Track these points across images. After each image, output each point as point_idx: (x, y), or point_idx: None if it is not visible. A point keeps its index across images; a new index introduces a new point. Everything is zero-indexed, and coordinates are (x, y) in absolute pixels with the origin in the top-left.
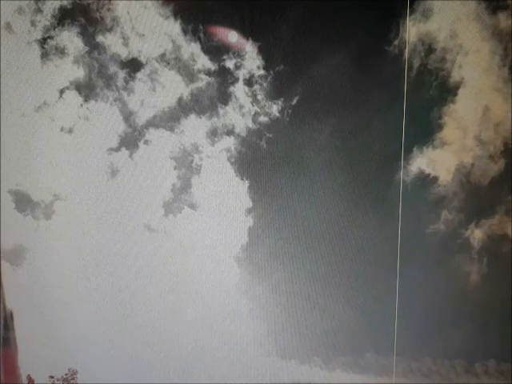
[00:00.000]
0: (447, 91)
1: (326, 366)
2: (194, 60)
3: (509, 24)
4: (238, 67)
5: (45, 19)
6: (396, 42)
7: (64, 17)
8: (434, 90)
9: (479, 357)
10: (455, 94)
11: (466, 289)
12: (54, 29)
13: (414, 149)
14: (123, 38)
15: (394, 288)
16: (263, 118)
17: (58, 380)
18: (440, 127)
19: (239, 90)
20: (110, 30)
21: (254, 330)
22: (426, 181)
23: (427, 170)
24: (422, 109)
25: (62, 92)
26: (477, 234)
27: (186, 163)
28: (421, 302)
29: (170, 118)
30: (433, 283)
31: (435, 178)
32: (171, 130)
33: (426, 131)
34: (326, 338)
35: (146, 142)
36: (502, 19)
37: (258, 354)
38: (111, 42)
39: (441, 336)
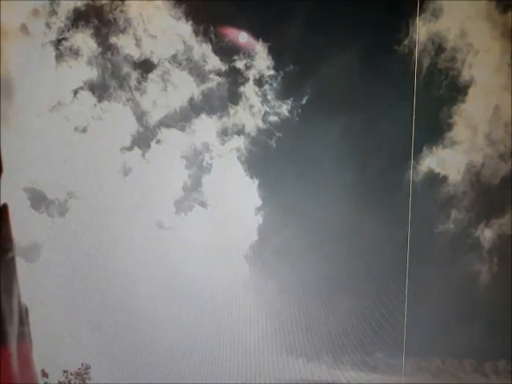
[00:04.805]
0: (457, 90)
1: (335, 364)
2: (204, 61)
3: None
4: (248, 67)
5: (59, 21)
6: (406, 42)
7: (78, 18)
8: (444, 89)
9: (489, 356)
10: (465, 94)
11: (476, 288)
12: (69, 30)
13: (424, 148)
14: (136, 39)
15: (403, 287)
16: (273, 118)
17: (71, 374)
18: (450, 126)
19: (249, 90)
20: (122, 31)
21: (262, 327)
22: (435, 180)
23: (437, 170)
24: (432, 108)
25: (76, 92)
26: (487, 234)
27: (197, 162)
28: (430, 301)
29: (182, 118)
30: (442, 283)
31: (445, 178)
32: (182, 129)
33: (435, 130)
34: (334, 336)
35: (158, 142)
36: None
37: (267, 351)
38: (124, 43)
39: (450, 335)
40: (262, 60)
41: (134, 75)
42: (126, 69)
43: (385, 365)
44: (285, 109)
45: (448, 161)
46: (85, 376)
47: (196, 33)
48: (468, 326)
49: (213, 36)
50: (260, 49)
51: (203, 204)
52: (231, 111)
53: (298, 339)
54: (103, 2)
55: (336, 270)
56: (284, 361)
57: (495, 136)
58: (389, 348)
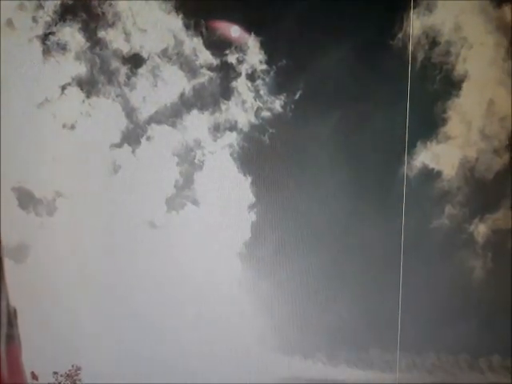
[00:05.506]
0: (451, 85)
1: (330, 361)
2: (196, 55)
3: None
4: (240, 62)
5: (46, 15)
6: (400, 36)
7: (65, 12)
8: (438, 83)
9: (483, 352)
10: (459, 88)
11: (470, 284)
12: (56, 25)
13: (418, 143)
14: (125, 33)
15: (397, 283)
16: (266, 113)
17: (61, 376)
18: (444, 121)
19: (242, 85)
20: (111, 25)
21: (257, 326)
22: (429, 175)
23: (431, 165)
24: (426, 103)
25: (63, 88)
26: (481, 229)
27: (189, 159)
28: (424, 297)
29: (172, 114)
30: (436, 278)
31: (439, 173)
32: (173, 125)
33: (429, 125)
34: (329, 333)
35: (148, 138)
36: (507, 12)
37: (262, 350)
38: (113, 37)
39: (445, 331)
40: (254, 54)
41: (124, 70)
42: (115, 64)
43: (380, 361)
44: (278, 104)
45: (442, 156)
46: (75, 377)
47: (187, 27)
48: (463, 321)
49: (204, 30)
50: (252, 43)
51: (195, 202)
52: (223, 107)
53: (294, 337)
54: None
55: (330, 266)
56: (279, 359)
57: (489, 131)
58: (384, 344)
